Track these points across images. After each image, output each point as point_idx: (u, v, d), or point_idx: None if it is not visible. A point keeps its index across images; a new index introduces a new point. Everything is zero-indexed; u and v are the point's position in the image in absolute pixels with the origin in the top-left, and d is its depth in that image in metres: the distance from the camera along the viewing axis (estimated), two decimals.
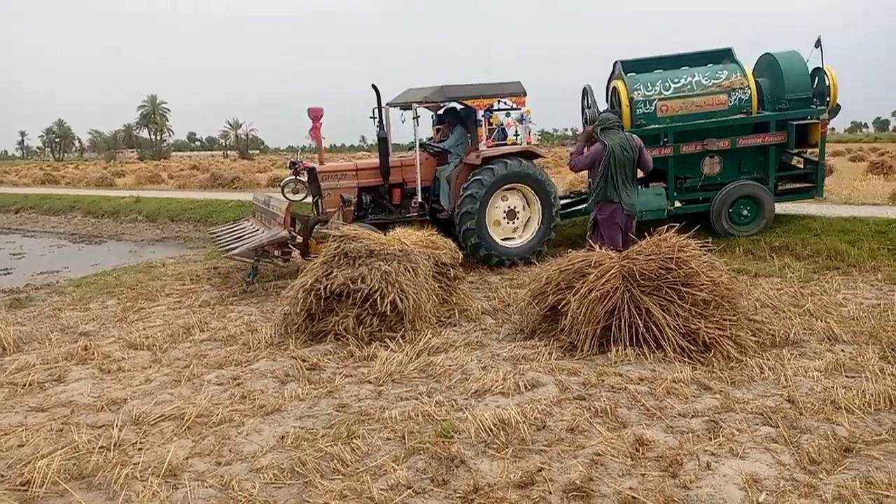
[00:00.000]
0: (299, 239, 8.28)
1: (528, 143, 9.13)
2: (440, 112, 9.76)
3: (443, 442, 3.73)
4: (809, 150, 9.52)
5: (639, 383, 4.52)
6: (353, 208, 8.64)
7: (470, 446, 3.71)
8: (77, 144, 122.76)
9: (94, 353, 5.65)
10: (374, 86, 8.74)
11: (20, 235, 16.21)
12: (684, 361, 4.81)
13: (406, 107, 8.92)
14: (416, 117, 8.66)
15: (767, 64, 9.42)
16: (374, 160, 9.08)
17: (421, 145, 8.94)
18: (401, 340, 5.55)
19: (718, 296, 5.08)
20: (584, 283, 5.30)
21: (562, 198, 9.73)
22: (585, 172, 9.65)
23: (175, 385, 4.89)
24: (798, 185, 9.69)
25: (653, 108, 9.10)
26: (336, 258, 6.00)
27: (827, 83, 9.01)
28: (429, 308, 5.98)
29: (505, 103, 8.94)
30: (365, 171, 8.93)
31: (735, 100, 9.05)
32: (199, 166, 47.14)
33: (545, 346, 5.31)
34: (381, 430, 3.97)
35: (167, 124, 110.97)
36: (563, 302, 5.41)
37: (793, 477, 3.27)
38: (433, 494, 3.25)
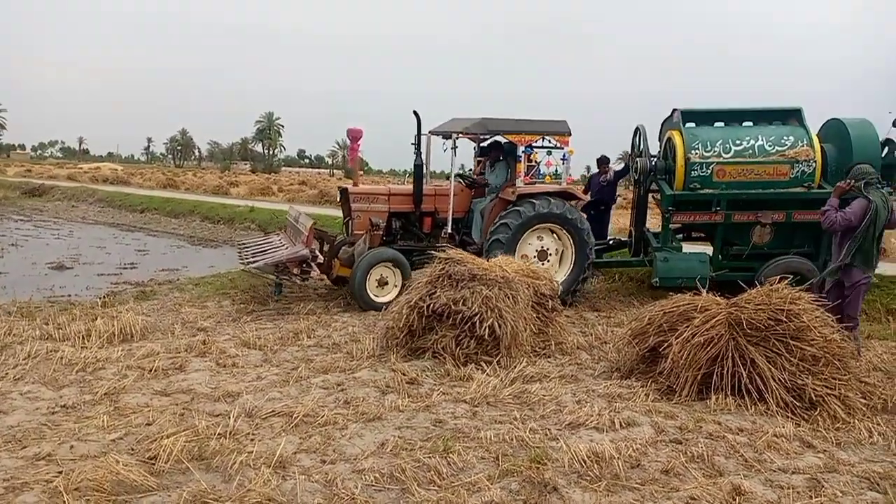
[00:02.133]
0: (321, 259, 8.21)
1: (567, 184, 8.93)
2: (483, 145, 9.72)
3: (536, 467, 3.80)
4: None
5: (738, 433, 4.43)
6: (381, 232, 8.59)
7: (563, 475, 3.76)
8: (196, 153, 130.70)
9: (211, 348, 6.07)
10: (415, 112, 8.70)
11: (144, 234, 17.49)
12: (787, 417, 4.68)
13: (448, 136, 8.86)
14: (454, 147, 8.61)
15: (836, 131, 8.63)
16: (409, 187, 9.09)
17: (458, 176, 8.92)
18: (496, 365, 5.67)
19: (829, 353, 4.91)
20: (688, 326, 5.25)
21: (600, 243, 9.48)
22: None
23: (284, 385, 5.20)
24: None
25: (709, 171, 8.47)
26: (440, 279, 6.20)
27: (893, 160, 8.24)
28: (525, 336, 6.07)
29: (549, 141, 8.77)
30: (397, 197, 8.92)
31: (798, 171, 8.38)
32: (307, 182, 49.25)
33: (642, 386, 5.29)
34: (475, 449, 4.09)
35: (280, 140, 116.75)
36: (665, 344, 5.37)
37: None
38: None
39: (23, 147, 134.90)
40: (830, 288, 6.13)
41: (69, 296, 8.78)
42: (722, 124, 8.85)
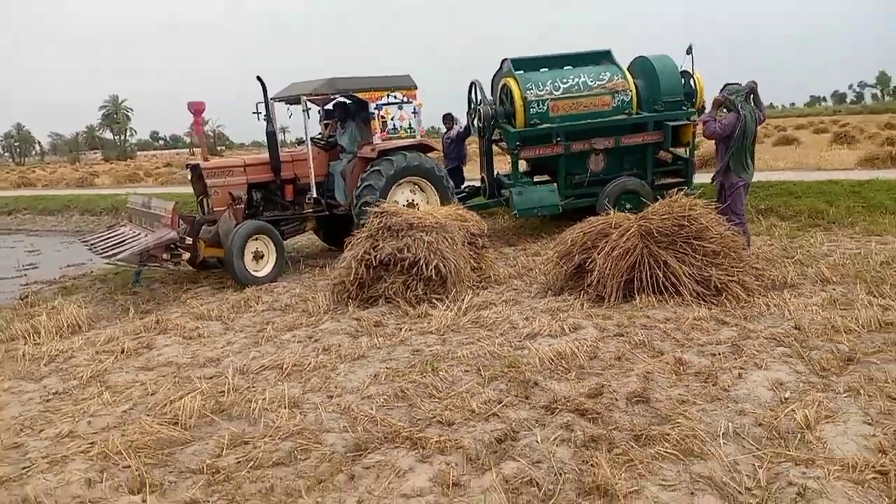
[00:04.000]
0: (189, 240, 7.90)
1: (421, 137, 9.29)
2: (328, 107, 9.74)
3: (513, 371, 4.45)
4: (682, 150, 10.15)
5: (665, 322, 5.28)
6: (243, 206, 8.38)
7: (538, 373, 4.43)
8: (38, 148, 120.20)
9: (168, 325, 6.24)
10: (259, 78, 8.45)
11: (24, 234, 16.50)
12: (701, 304, 5.59)
13: (293, 101, 8.89)
14: (307, 110, 8.60)
15: (642, 66, 9.85)
16: (263, 156, 8.88)
17: (312, 139, 8.89)
18: (447, 301, 6.25)
19: (725, 247, 5.87)
20: (606, 242, 6.05)
21: (457, 192, 9.90)
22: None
23: (257, 345, 5.53)
24: (672, 180, 10.18)
25: (545, 107, 9.36)
26: (380, 231, 6.65)
27: (694, 87, 9.75)
28: (466, 273, 6.69)
29: (395, 97, 9.00)
30: (254, 167, 8.68)
31: (618, 101, 9.50)
32: (172, 163, 47.00)
33: (575, 299, 6.05)
34: (457, 366, 4.67)
35: (129, 124, 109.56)
36: (589, 260, 6.15)
37: (808, 380, 4.05)
38: (521, 406, 3.96)
39: None
40: (718, 191, 7.18)
41: None
42: (546, 69, 9.81)
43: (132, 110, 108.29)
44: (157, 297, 7.79)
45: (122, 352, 5.51)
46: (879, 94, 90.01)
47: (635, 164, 9.92)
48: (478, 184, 10.87)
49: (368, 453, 3.52)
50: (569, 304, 5.97)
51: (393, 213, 6.72)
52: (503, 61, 9.96)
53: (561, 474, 3.15)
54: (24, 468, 3.58)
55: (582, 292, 6.12)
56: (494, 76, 10.29)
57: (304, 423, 3.90)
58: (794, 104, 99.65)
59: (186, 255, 7.91)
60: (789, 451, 3.21)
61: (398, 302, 6.28)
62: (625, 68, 9.83)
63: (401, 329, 5.64)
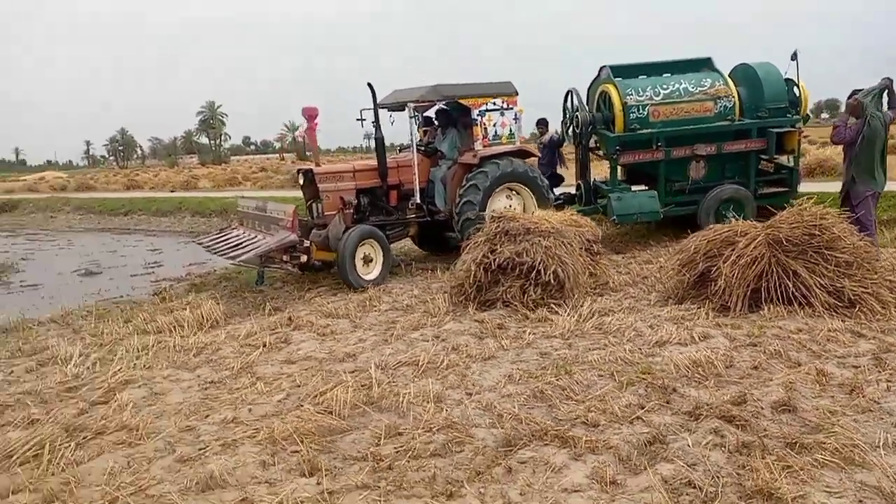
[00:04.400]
0: (307, 243, 8.04)
1: (521, 143, 9.32)
2: (426, 114, 9.86)
3: (649, 377, 4.51)
4: (785, 158, 9.92)
5: (798, 333, 5.20)
6: (352, 210, 8.57)
7: (674, 380, 4.47)
8: (139, 151, 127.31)
9: (299, 322, 6.61)
10: (369, 84, 8.68)
11: (143, 235, 17.63)
12: (833, 316, 5.47)
13: (395, 108, 9.05)
14: (413, 117, 8.77)
15: (744, 73, 9.74)
16: (371, 162, 9.10)
17: (420, 146, 8.97)
18: (564, 306, 6.35)
19: (858, 258, 5.72)
20: (732, 250, 6.00)
21: (556, 199, 9.85)
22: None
23: (388, 343, 5.79)
24: (775, 190, 9.98)
25: (645, 112, 9.38)
26: (497, 236, 6.82)
27: (798, 94, 9.46)
28: (584, 279, 6.77)
29: (494, 104, 9.12)
30: (362, 173, 8.90)
31: (720, 107, 9.46)
32: (266, 168, 48.96)
33: (699, 308, 6.02)
34: (589, 371, 4.76)
35: (224, 129, 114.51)
36: (713, 269, 6.11)
37: None
38: (663, 411, 4.02)
39: None
40: (842, 200, 7.00)
41: (121, 297, 9.14)
42: (645, 76, 9.77)
43: (227, 115, 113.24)
44: (282, 295, 8.23)
45: (264, 346, 5.89)
46: None
47: (737, 173, 9.78)
48: (572, 191, 10.85)
49: (519, 449, 3.67)
50: (692, 312, 5.96)
51: (510, 217, 6.89)
52: (601, 68, 10.04)
53: (719, 477, 3.20)
54: (200, 449, 3.92)
55: (706, 301, 6.08)
56: (591, 84, 10.34)
57: (451, 417, 4.09)
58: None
59: (304, 258, 8.10)
60: None
61: (516, 306, 6.42)
62: (726, 75, 9.70)
63: (524, 332, 5.77)
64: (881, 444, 3.39)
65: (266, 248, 7.77)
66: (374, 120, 8.85)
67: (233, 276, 9.73)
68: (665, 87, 9.55)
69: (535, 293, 6.47)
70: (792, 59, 9.32)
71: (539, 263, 6.43)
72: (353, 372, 5.04)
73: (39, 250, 15.69)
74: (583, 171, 10.44)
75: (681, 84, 9.56)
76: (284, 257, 7.96)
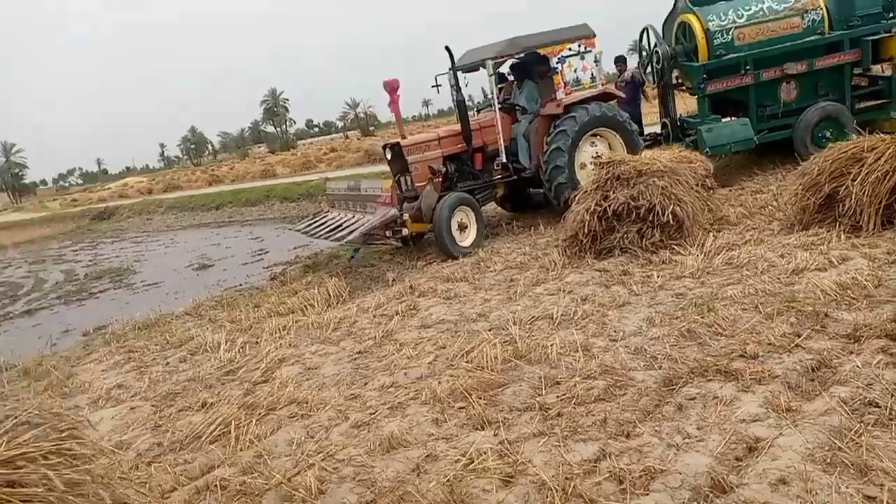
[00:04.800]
0: (406, 216, 8.15)
1: (603, 85, 9.15)
2: (501, 70, 9.61)
3: (796, 305, 4.44)
4: (879, 67, 9.31)
5: None
6: (441, 179, 8.54)
7: (824, 305, 4.38)
8: (210, 147, 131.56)
9: (421, 289, 6.81)
10: (447, 48, 8.67)
11: (238, 225, 18.43)
12: None
13: (469, 69, 8.94)
14: (493, 74, 8.62)
15: None
16: (454, 127, 9.06)
17: (497, 104, 8.83)
18: (686, 246, 6.28)
19: None
20: (861, 167, 5.77)
21: (645, 140, 9.61)
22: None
23: (514, 301, 5.90)
24: (874, 102, 9.47)
25: (730, 37, 9.07)
26: (608, 182, 6.78)
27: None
28: (702, 216, 6.66)
29: (571, 49, 8.91)
30: (447, 139, 8.86)
31: (808, 21, 9.04)
32: (336, 148, 49.88)
33: (827, 232, 5.85)
34: (731, 306, 4.71)
35: (288, 115, 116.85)
36: (841, 189, 5.90)
37: None
38: (820, 337, 3.97)
39: (44, 182, 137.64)
40: None
41: (241, 285, 9.63)
42: (724, 1, 9.32)
43: (289, 100, 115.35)
44: (394, 267, 8.47)
45: (397, 314, 6.12)
46: None
47: (831, 89, 9.39)
48: (657, 130, 10.64)
49: (682, 387, 3.72)
50: (822, 237, 5.79)
51: (620, 161, 6.82)
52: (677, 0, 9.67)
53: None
54: (371, 414, 4.16)
55: (834, 224, 5.90)
56: (667, 18, 10.03)
57: (604, 363, 4.17)
58: None
59: (406, 231, 8.26)
60: None
61: (635, 251, 6.39)
62: None
63: (651, 276, 5.76)
64: None
65: (371, 226, 7.92)
66: (453, 83, 8.85)
67: (340, 254, 10.07)
68: (748, 7, 9.22)
69: (654, 236, 6.42)
70: None
71: (657, 205, 6.37)
72: (490, 330, 5.18)
73: (148, 251, 16.62)
74: (666, 109, 10.20)
75: (764, 3, 9.20)
76: (387, 233, 8.12)
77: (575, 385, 3.94)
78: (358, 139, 69.78)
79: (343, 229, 8.20)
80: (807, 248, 5.63)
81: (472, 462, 3.33)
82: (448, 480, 3.20)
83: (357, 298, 7.11)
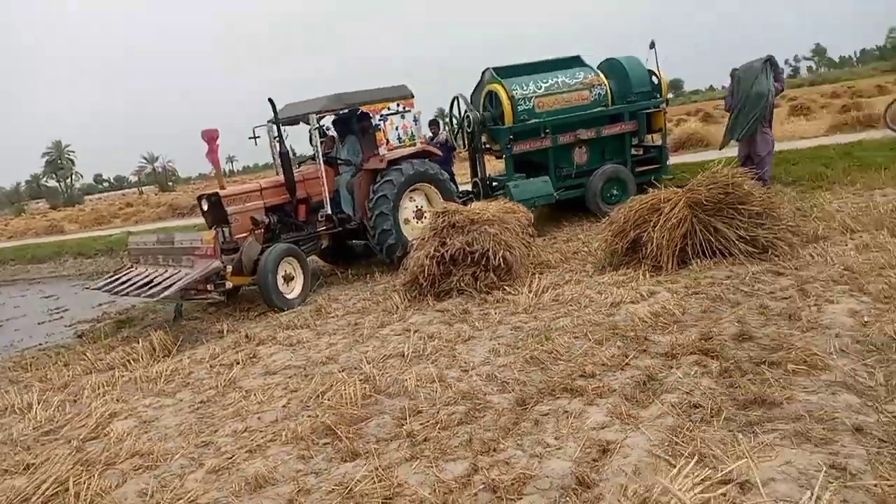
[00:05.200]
0: (230, 269, 7.86)
1: (422, 144, 9.74)
2: (320, 124, 9.55)
3: (619, 332, 5.01)
4: (652, 137, 11.32)
5: (728, 279, 5.90)
6: (263, 230, 8.43)
7: (642, 331, 4.99)
8: None
9: (259, 338, 6.63)
10: (270, 100, 8.85)
11: (25, 283, 16.43)
12: (752, 261, 6.23)
13: (290, 122, 9.17)
14: (317, 128, 8.82)
15: (610, 66, 10.95)
16: (276, 178, 9.11)
17: (313, 158, 9.07)
18: (515, 287, 6.79)
19: (766, 209, 6.56)
20: (658, 215, 6.67)
21: (459, 196, 10.16)
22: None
23: (361, 343, 5.96)
24: (649, 167, 11.26)
25: (531, 104, 10.27)
26: (444, 230, 7.16)
27: (657, 82, 10.83)
28: (527, 260, 7.25)
29: (389, 108, 9.35)
30: (269, 190, 8.85)
31: (595, 94, 10.58)
32: (132, 203, 46.51)
33: (635, 271, 6.64)
34: (564, 335, 5.18)
35: (74, 169, 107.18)
36: (643, 235, 6.76)
37: (877, 307, 4.70)
38: (644, 356, 4.52)
39: None
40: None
41: (41, 344, 8.65)
42: (525, 75, 10.63)
43: (74, 152, 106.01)
44: (221, 319, 8.12)
45: (236, 363, 5.89)
46: (815, 66, 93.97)
47: (615, 154, 10.84)
48: (468, 188, 11.38)
49: (534, 405, 4.03)
50: (630, 276, 6.56)
51: (455, 210, 7.24)
52: (484, 71, 10.87)
53: (715, 396, 3.71)
54: (228, 459, 3.98)
55: (639, 265, 6.71)
56: (475, 88, 11.06)
57: (461, 392, 4.38)
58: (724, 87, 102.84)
59: (230, 284, 7.94)
60: (892, 356, 3.84)
61: (471, 292, 6.78)
62: (595, 68, 10.83)
63: (488, 314, 6.14)
64: (833, 351, 4.04)
65: (191, 280, 7.46)
66: (275, 136, 8.92)
67: (157, 308, 9.43)
68: (545, 80, 10.47)
69: (487, 278, 6.86)
70: (650, 48, 10.47)
71: (489, 250, 6.83)
72: (342, 371, 5.20)
73: None
74: (476, 169, 11.05)
75: (558, 78, 10.53)
76: (209, 286, 7.72)
77: (437, 412, 4.11)
78: (156, 194, 65.66)
79: (156, 285, 7.57)
80: (619, 285, 6.35)
81: (349, 490, 3.33)
82: None
83: (187, 350, 6.73)
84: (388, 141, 9.38)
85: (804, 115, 21.60)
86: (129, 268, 8.73)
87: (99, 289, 8.64)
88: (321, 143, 9.77)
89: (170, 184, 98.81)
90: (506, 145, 10.20)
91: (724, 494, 2.71)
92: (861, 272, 5.45)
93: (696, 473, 2.88)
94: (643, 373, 4.21)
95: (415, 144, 9.66)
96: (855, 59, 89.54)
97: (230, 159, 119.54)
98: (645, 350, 4.63)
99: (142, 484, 3.81)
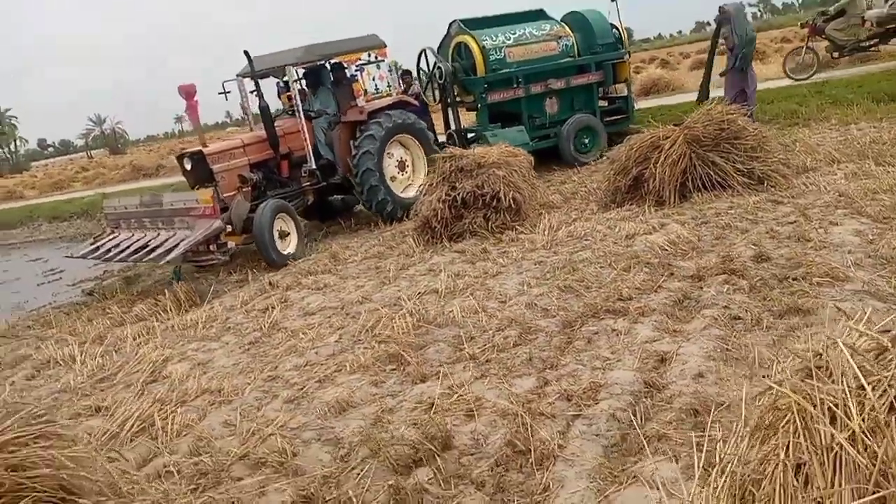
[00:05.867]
0: (230, 228, 7.73)
1: (398, 94, 9.68)
2: (285, 78, 9.41)
3: (642, 260, 5.35)
4: (618, 88, 11.73)
5: (731, 209, 6.29)
6: (251, 188, 8.23)
7: (664, 258, 5.35)
8: None
9: (283, 285, 6.83)
10: (246, 53, 8.66)
11: (6, 249, 16.10)
12: (751, 192, 6.64)
13: (263, 75, 8.93)
14: (297, 80, 8.71)
15: (574, 19, 11.23)
16: (258, 133, 8.87)
17: (289, 111, 8.96)
18: (527, 226, 7.09)
19: (760, 142, 6.95)
20: (659, 153, 7.00)
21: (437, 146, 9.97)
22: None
23: (390, 284, 6.20)
24: (616, 117, 11.75)
25: (502, 54, 10.47)
26: (452, 174, 7.39)
27: (618, 34, 11.25)
28: (534, 201, 7.54)
29: (361, 59, 9.26)
30: (253, 147, 8.63)
31: (562, 45, 10.85)
32: (87, 167, 45.19)
33: (639, 207, 6.99)
34: (589, 266, 5.50)
35: (17, 134, 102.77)
36: (644, 171, 7.09)
37: (877, 226, 5.13)
38: (673, 279, 4.88)
39: None
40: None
41: (52, 303, 8.67)
42: (492, 27, 10.84)
43: (17, 117, 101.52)
44: (232, 271, 8.22)
45: (271, 307, 6.09)
46: (759, 12, 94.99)
47: (584, 105, 11.16)
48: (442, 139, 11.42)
49: (581, 327, 4.37)
50: (635, 212, 6.90)
51: (461, 155, 7.46)
52: (451, 24, 10.98)
53: (750, 310, 4.10)
54: (300, 389, 4.23)
55: (642, 201, 7.05)
56: (442, 42, 11.15)
57: (504, 318, 4.69)
58: (681, 32, 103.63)
59: (233, 245, 7.90)
60: None
61: (484, 234, 7.06)
62: (559, 21, 11.14)
63: (507, 252, 6.44)
64: (850, 264, 4.45)
65: (194, 241, 7.32)
66: (252, 89, 8.80)
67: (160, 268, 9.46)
68: (513, 32, 10.70)
69: (498, 219, 7.14)
70: (611, 1, 10.93)
71: (499, 192, 7.09)
72: (384, 307, 5.45)
73: None
74: (452, 119, 11.12)
75: (525, 29, 10.78)
76: (211, 247, 7.59)
77: (492, 336, 4.42)
78: (107, 157, 63.46)
79: (155, 248, 7.43)
80: (627, 220, 6.69)
81: (432, 405, 3.63)
82: (416, 423, 3.47)
83: (214, 300, 6.88)
84: (366, 92, 9.35)
85: (759, 59, 22.08)
86: (110, 233, 8.50)
87: (84, 256, 8.49)
88: (288, 97, 9.61)
89: (119, 146, 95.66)
90: (480, 94, 10.42)
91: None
92: (856, 197, 5.89)
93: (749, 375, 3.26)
94: (677, 294, 4.58)
95: (391, 95, 9.64)
96: (797, 4, 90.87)
97: (179, 119, 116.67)
98: (672, 274, 4.99)
99: (224, 416, 4.04)
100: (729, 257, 5.01)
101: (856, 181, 6.39)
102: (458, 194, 7.18)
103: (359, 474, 3.11)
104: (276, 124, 9.01)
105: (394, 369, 4.24)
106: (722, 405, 3.09)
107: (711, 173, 6.84)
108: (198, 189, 8.23)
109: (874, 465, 1.35)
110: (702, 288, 4.60)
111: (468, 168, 7.34)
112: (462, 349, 4.34)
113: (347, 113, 9.04)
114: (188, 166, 8.44)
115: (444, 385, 3.85)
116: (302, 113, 8.72)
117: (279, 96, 10.03)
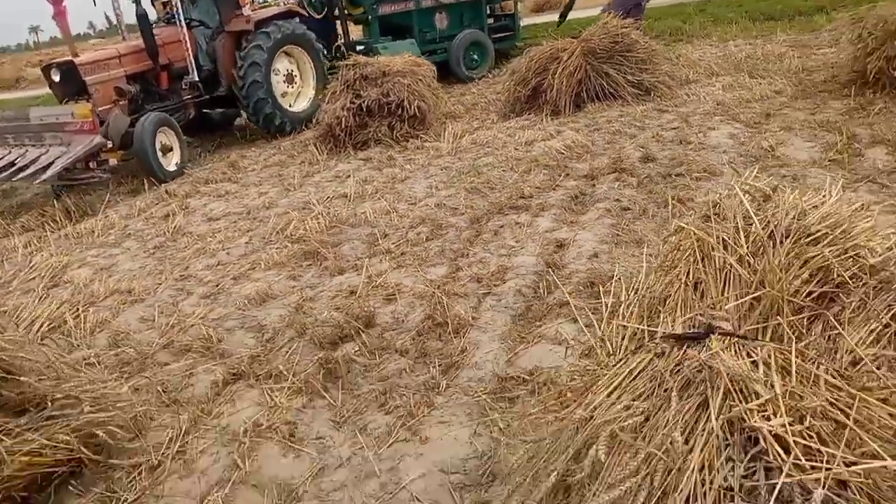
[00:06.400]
0: (110, 143, 7.18)
1: (287, 4, 9.35)
2: None
3: (540, 163, 5.67)
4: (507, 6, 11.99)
5: (621, 118, 6.70)
6: (128, 101, 7.72)
7: (561, 161, 5.68)
8: None
9: (182, 192, 6.68)
10: None
11: None
12: (639, 102, 7.07)
13: None
14: None
15: None
16: (134, 42, 8.25)
17: (165, 19, 8.44)
18: (431, 134, 7.23)
19: (650, 55, 7.35)
20: (557, 64, 7.27)
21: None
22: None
23: (295, 190, 6.22)
24: (503, 34, 11.98)
25: None
26: (356, 82, 7.36)
27: None
28: (438, 111, 7.66)
29: None
30: (129, 57, 7.99)
31: None
32: None
33: (536, 116, 7.29)
34: (493, 170, 5.76)
35: None
36: (544, 82, 7.36)
37: (748, 130, 5.67)
38: (569, 179, 5.23)
39: None
40: None
41: None
42: None
43: None
44: (123, 183, 7.90)
45: (172, 214, 5.98)
46: None
47: (473, 21, 11.31)
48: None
49: (487, 222, 4.64)
50: (533, 121, 7.20)
51: (365, 63, 7.42)
52: None
53: (637, 202, 4.50)
54: (216, 286, 4.29)
55: (541, 110, 7.34)
56: None
57: (418, 216, 4.89)
58: None
59: (114, 161, 7.43)
60: (768, 163, 4.80)
61: (388, 142, 7.15)
62: None
63: (412, 159, 6.59)
64: (724, 163, 4.94)
65: (73, 158, 6.77)
66: None
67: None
68: None
69: (402, 128, 7.23)
70: None
71: (404, 100, 7.15)
72: (293, 210, 5.50)
73: None
74: (342, 32, 10.85)
75: None
76: (91, 164, 7.07)
77: (405, 233, 4.62)
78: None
79: (26, 167, 6.83)
80: (526, 128, 6.97)
81: (353, 292, 3.82)
82: (339, 308, 3.65)
83: (107, 209, 6.63)
84: (252, 1, 8.95)
85: None
86: None
87: None
88: (163, 4, 9.01)
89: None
90: (371, 6, 10.34)
91: None
92: (731, 105, 6.43)
93: (638, 253, 3.65)
94: (572, 191, 4.93)
95: (280, 4, 9.29)
96: None
97: (34, 29, 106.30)
98: (568, 174, 5.33)
99: (139, 313, 4.05)
100: (619, 159, 5.40)
101: (731, 92, 6.93)
102: (363, 102, 7.19)
103: (287, 353, 3.27)
104: (156, 34, 8.39)
105: (310, 265, 4.36)
106: (613, 277, 3.46)
107: (605, 84, 7.20)
108: (69, 103, 7.64)
109: (755, 276, 1.67)
110: (595, 185, 4.97)
111: (373, 76, 7.33)
112: (377, 245, 4.51)
113: (231, 22, 8.57)
114: (56, 78, 7.73)
115: (363, 276, 4.03)
116: (182, 20, 8.18)
117: (153, 3, 9.31)
